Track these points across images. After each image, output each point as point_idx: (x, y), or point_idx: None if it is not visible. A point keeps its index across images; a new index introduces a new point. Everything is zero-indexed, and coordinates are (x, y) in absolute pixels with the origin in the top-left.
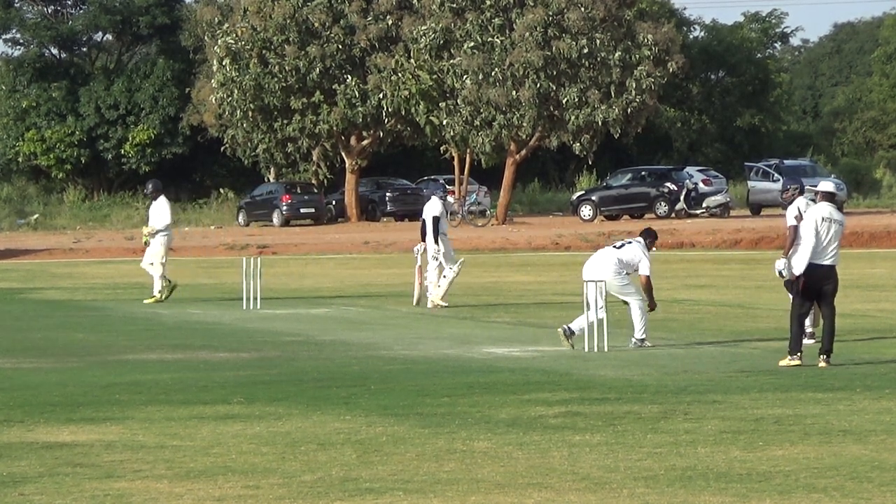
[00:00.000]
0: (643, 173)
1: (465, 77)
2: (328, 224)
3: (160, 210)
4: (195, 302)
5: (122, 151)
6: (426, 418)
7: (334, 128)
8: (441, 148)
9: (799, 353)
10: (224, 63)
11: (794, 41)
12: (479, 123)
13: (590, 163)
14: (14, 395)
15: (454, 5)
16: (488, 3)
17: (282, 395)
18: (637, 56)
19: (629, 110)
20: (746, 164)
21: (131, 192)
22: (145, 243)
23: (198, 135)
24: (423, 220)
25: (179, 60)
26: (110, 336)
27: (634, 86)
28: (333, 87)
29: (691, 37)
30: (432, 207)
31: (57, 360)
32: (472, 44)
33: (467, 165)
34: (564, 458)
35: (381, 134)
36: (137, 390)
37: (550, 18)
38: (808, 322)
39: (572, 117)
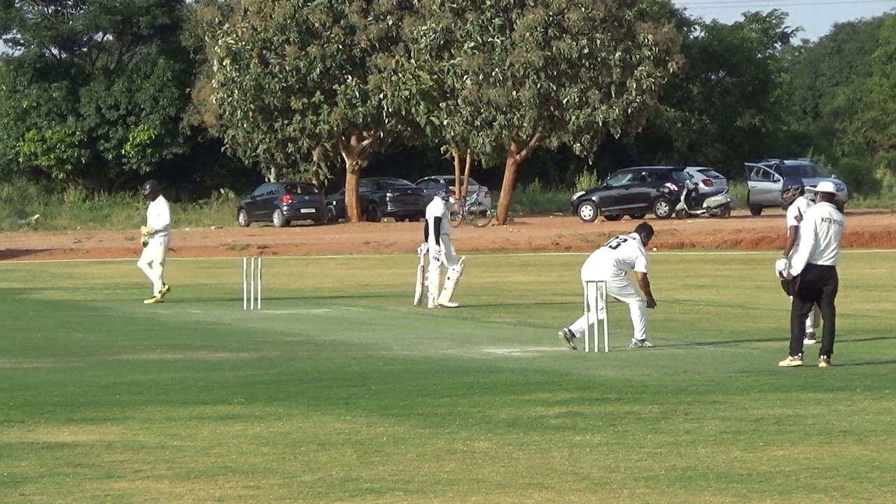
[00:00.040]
0: (643, 173)
1: (465, 77)
2: (329, 224)
3: (159, 210)
4: (195, 302)
5: (123, 152)
6: (426, 418)
7: (335, 128)
8: (441, 148)
9: (800, 354)
10: (224, 63)
11: (795, 41)
12: (479, 124)
13: (590, 163)
14: (14, 395)
15: (454, 5)
16: (488, 3)
17: (282, 395)
18: (637, 56)
19: (629, 110)
20: (747, 164)
21: (132, 192)
22: (144, 244)
23: (198, 135)
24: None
25: (180, 60)
26: (110, 336)
27: (635, 86)
28: (334, 87)
29: (691, 37)
30: (434, 208)
31: (57, 360)
32: (472, 44)
33: (468, 166)
34: (565, 459)
35: (382, 134)
36: (138, 390)
37: (551, 18)
38: (808, 322)
39: (573, 117)
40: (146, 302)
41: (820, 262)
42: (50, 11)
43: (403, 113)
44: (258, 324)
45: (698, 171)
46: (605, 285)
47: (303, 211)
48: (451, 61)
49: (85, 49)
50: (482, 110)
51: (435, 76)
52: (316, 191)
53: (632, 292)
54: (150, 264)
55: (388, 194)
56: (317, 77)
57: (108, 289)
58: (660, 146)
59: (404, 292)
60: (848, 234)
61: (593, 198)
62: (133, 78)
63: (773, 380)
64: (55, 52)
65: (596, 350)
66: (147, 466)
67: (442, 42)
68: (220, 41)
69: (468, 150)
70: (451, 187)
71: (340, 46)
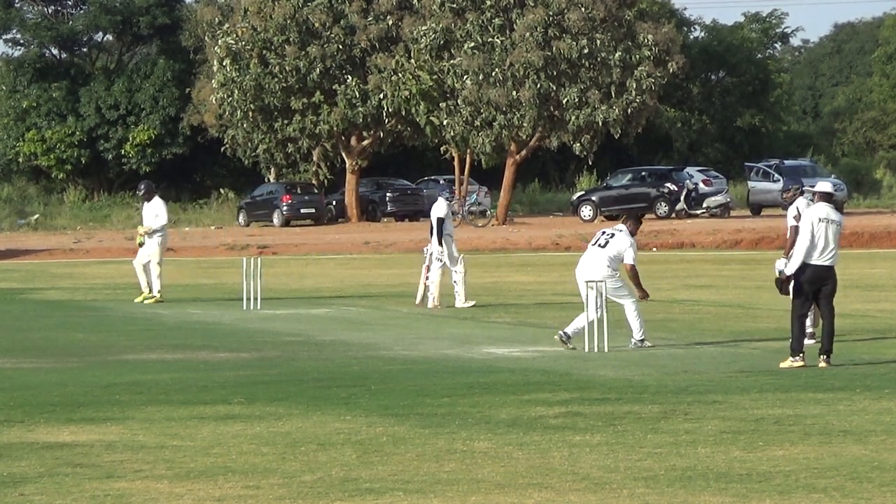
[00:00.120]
0: (643, 173)
1: (465, 77)
2: (328, 224)
3: (157, 210)
4: (195, 302)
5: (123, 152)
6: (426, 418)
7: (335, 128)
8: (441, 148)
9: (801, 355)
10: (224, 63)
11: (795, 41)
12: (479, 124)
13: (590, 163)
14: (14, 395)
15: (454, 5)
16: (488, 3)
17: (282, 395)
18: (637, 56)
19: (629, 110)
20: (747, 164)
21: (132, 192)
22: (140, 244)
23: (198, 135)
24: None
25: (180, 60)
26: (110, 336)
27: (635, 86)
28: (334, 87)
29: (691, 37)
30: (438, 209)
31: (57, 360)
32: (472, 44)
33: (467, 166)
34: (565, 459)
35: (382, 134)
36: (137, 390)
37: (551, 19)
38: (808, 322)
39: (572, 117)
40: (146, 302)
41: (819, 263)
42: (50, 11)
43: (403, 113)
44: (258, 324)
45: (698, 171)
46: (604, 285)
47: (303, 211)
48: (451, 61)
49: (85, 49)
50: (482, 110)
51: (435, 76)
52: (316, 191)
53: (625, 293)
54: (146, 265)
55: (388, 194)
56: (317, 77)
57: (108, 289)
58: (660, 146)
59: (404, 292)
60: (848, 234)
61: (593, 198)
62: (133, 78)
63: (773, 380)
64: (55, 52)
65: (596, 350)
66: (147, 466)
67: (442, 42)
68: (220, 41)
69: (468, 150)
70: (452, 187)
71: (340, 46)
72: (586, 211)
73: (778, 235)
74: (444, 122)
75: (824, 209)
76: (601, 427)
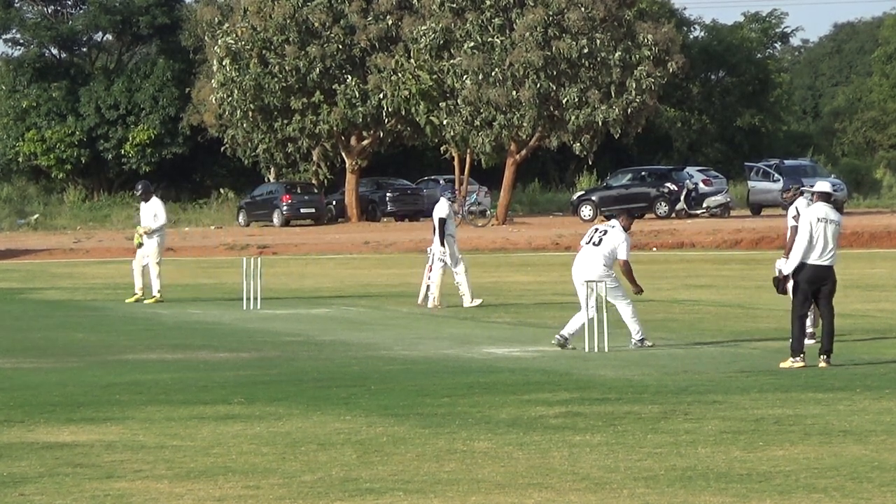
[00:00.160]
0: (643, 173)
1: (465, 77)
2: (328, 224)
3: (156, 210)
4: (195, 302)
5: (123, 151)
6: (426, 418)
7: (334, 128)
8: (441, 148)
9: (802, 355)
10: (224, 63)
11: (794, 41)
12: (479, 123)
13: (590, 163)
14: (14, 395)
15: (454, 5)
16: (488, 3)
17: (282, 395)
18: (637, 56)
19: (629, 110)
20: (746, 164)
21: (131, 192)
22: (137, 245)
23: (198, 135)
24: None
25: (179, 60)
26: (110, 336)
27: (634, 86)
28: (333, 87)
29: (691, 37)
30: (440, 209)
31: (57, 360)
32: (472, 44)
33: (467, 165)
34: (565, 459)
35: (382, 134)
36: (137, 390)
37: (550, 18)
38: (808, 322)
39: (572, 117)
40: (146, 302)
41: (818, 262)
42: (50, 11)
43: (403, 113)
44: (258, 324)
45: (698, 171)
46: (603, 285)
47: (302, 211)
48: (451, 61)
49: (85, 49)
50: (482, 110)
51: (435, 76)
52: (316, 191)
53: (620, 295)
54: (144, 267)
55: (388, 194)
56: (316, 77)
57: (108, 289)
58: (660, 146)
59: (404, 292)
60: (848, 234)
61: (593, 198)
62: (133, 78)
63: (773, 380)
64: (55, 51)
65: (596, 350)
66: (147, 466)
67: (442, 42)
68: (219, 41)
69: (468, 150)
70: (454, 188)
71: (340, 46)
72: (586, 211)
73: (778, 235)
74: (444, 122)
75: (823, 209)
76: (601, 427)
